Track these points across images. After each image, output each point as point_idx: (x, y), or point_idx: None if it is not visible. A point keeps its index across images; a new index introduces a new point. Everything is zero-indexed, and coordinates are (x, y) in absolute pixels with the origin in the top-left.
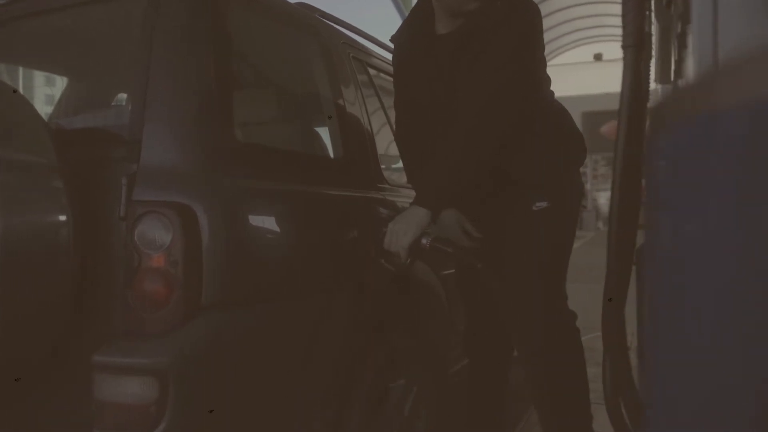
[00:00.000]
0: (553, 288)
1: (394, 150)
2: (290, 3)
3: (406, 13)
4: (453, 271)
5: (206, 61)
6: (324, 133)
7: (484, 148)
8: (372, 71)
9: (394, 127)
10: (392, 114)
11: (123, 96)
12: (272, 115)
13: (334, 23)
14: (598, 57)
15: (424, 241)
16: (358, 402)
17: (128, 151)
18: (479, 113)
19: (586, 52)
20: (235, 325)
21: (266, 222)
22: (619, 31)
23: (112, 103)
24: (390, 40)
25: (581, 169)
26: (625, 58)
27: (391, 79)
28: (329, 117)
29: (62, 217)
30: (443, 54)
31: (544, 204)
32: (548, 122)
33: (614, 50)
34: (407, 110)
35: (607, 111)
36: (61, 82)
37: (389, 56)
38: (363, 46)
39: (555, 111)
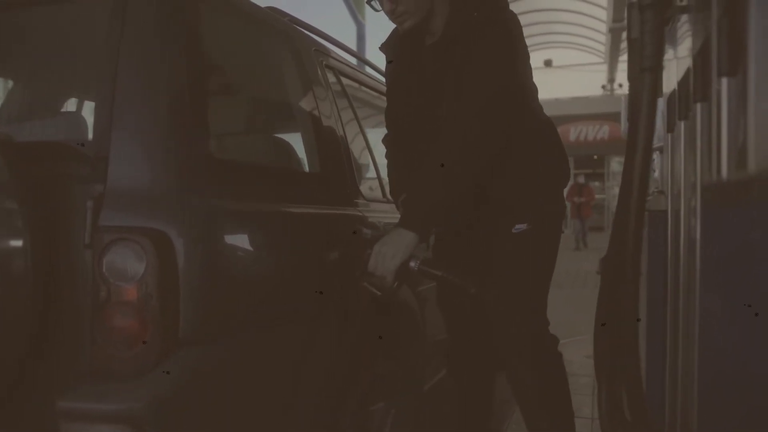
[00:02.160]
0: (534, 312)
1: (368, 162)
2: (263, 8)
3: (360, 17)
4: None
5: (179, 71)
6: (298, 144)
7: (472, 168)
8: (344, 80)
9: (368, 138)
10: (366, 124)
11: (78, 103)
12: (247, 128)
13: (304, 29)
14: (548, 63)
15: (412, 264)
16: (344, 429)
17: (93, 168)
18: (466, 133)
19: (536, 58)
20: (216, 360)
21: (247, 246)
22: (569, 38)
23: (64, 111)
24: (379, 49)
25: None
26: (642, 81)
27: (363, 87)
28: (306, 129)
29: (19, 243)
30: (426, 65)
31: (523, 227)
32: (534, 138)
33: (564, 56)
34: (395, 123)
35: (556, 116)
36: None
37: (357, 62)
38: (334, 53)
39: (541, 126)
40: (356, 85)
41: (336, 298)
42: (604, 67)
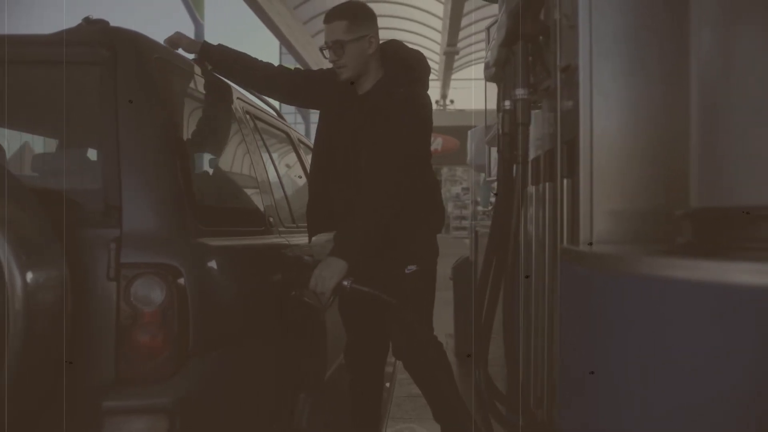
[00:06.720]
0: (431, 331)
1: (282, 194)
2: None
3: (199, 17)
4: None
5: (166, 125)
6: (242, 183)
7: (391, 215)
8: (259, 123)
9: (279, 173)
10: (282, 162)
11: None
12: (208, 172)
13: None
14: None
15: (345, 283)
16: (288, 412)
17: (108, 215)
18: (388, 188)
19: None
20: (215, 364)
21: (228, 274)
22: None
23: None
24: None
25: None
26: (515, 171)
27: (273, 129)
28: (244, 170)
29: (59, 273)
30: (354, 113)
31: (414, 267)
32: (422, 195)
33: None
34: (320, 147)
35: None
36: None
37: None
38: (246, 97)
39: (429, 185)
40: (264, 125)
41: (283, 313)
42: (438, 84)
